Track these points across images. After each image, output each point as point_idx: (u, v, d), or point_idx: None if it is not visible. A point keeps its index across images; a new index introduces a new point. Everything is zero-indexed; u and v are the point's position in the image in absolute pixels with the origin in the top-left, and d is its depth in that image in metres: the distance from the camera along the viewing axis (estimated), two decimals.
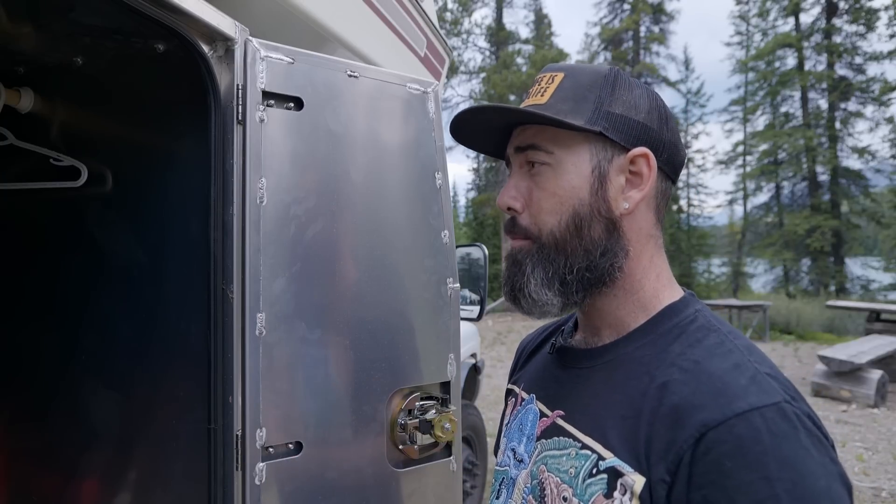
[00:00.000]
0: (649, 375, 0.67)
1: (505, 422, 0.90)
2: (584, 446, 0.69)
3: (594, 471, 0.66)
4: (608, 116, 0.72)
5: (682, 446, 0.59)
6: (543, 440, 0.76)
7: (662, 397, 0.63)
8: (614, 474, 0.64)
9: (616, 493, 0.63)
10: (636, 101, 0.74)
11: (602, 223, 0.73)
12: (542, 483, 0.73)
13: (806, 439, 0.57)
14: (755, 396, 0.59)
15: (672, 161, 0.76)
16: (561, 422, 0.75)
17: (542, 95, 0.76)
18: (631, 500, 0.61)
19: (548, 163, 0.74)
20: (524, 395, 0.86)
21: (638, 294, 0.74)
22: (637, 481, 0.61)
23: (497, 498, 0.84)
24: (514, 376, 0.96)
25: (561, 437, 0.73)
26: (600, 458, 0.66)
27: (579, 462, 0.69)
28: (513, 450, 0.83)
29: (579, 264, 0.73)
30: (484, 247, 2.62)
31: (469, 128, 0.82)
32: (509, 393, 0.94)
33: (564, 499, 0.69)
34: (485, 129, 0.82)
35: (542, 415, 0.79)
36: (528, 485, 0.76)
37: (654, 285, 0.75)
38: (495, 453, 1.03)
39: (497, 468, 0.87)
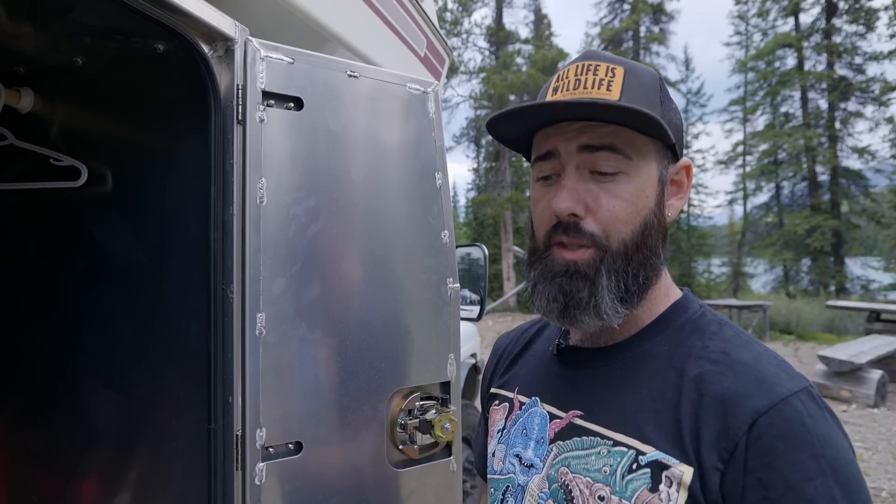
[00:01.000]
0: (675, 370, 0.68)
1: (498, 427, 0.87)
2: (617, 443, 0.69)
3: (634, 466, 0.66)
4: (671, 125, 0.71)
5: (736, 433, 0.61)
6: (560, 442, 0.75)
7: (701, 389, 0.65)
8: (658, 467, 0.64)
9: (662, 486, 0.63)
10: (675, 108, 0.75)
11: (660, 231, 0.73)
12: (567, 485, 0.72)
13: (830, 418, 0.62)
14: (789, 382, 0.63)
15: None
16: (580, 421, 0.74)
17: (606, 89, 0.70)
18: (679, 490, 0.62)
19: (623, 170, 0.70)
20: (522, 398, 0.84)
21: (653, 294, 0.75)
22: (686, 472, 0.62)
23: None
24: (499, 380, 0.93)
25: (584, 437, 0.72)
26: (639, 453, 0.66)
27: (614, 459, 0.68)
28: (517, 456, 0.81)
29: (643, 273, 0.71)
30: (484, 247, 2.63)
31: (516, 118, 0.75)
32: (494, 397, 0.91)
33: (601, 498, 0.68)
34: (522, 122, 0.76)
35: (553, 416, 0.78)
36: (546, 490, 0.75)
37: (664, 283, 0.77)
38: (476, 466, 1.00)
39: (497, 476, 0.84)
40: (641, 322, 0.75)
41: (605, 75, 0.71)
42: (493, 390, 0.93)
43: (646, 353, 0.72)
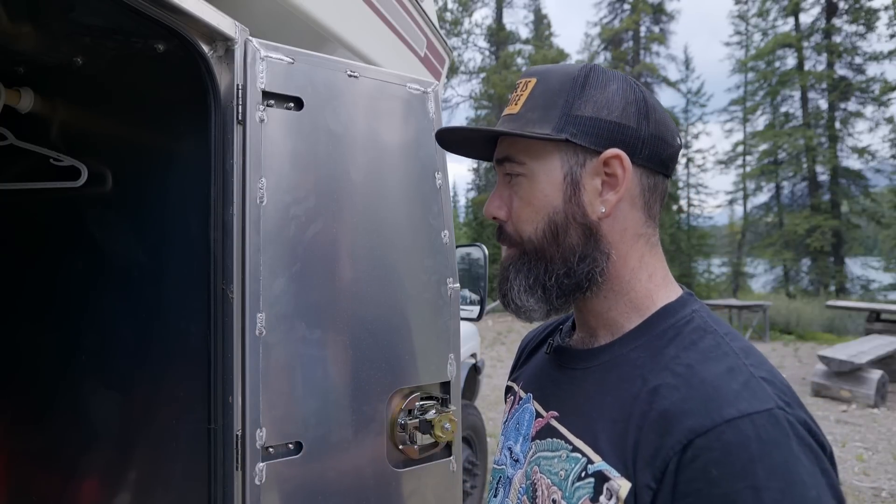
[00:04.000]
0: (642, 378, 0.66)
1: (503, 419, 0.90)
2: (575, 449, 0.69)
3: (583, 474, 0.66)
4: (576, 121, 0.71)
5: (668, 453, 0.58)
6: (538, 440, 0.76)
7: (653, 402, 0.62)
8: (601, 479, 0.63)
9: (602, 498, 0.62)
10: (609, 99, 0.72)
11: (579, 229, 0.72)
12: (535, 484, 0.73)
13: (797, 447, 0.56)
14: (746, 402, 0.58)
15: (657, 156, 0.73)
16: (555, 423, 0.74)
17: (516, 105, 0.76)
18: None
19: (522, 174, 0.75)
20: (522, 393, 0.86)
21: (629, 295, 0.73)
22: (623, 486, 0.61)
23: (495, 496, 0.84)
24: (514, 373, 0.96)
25: (554, 439, 0.73)
26: (589, 461, 0.66)
27: (569, 465, 0.68)
28: (509, 448, 0.83)
29: (558, 271, 0.73)
30: (484, 247, 2.62)
31: (454, 140, 0.84)
32: (509, 390, 0.94)
33: (554, 501, 0.68)
34: (469, 141, 0.85)
35: (538, 415, 0.79)
36: (524, 485, 0.76)
37: (646, 286, 0.74)
38: None
39: (494, 466, 0.87)
40: (624, 327, 0.73)
41: (521, 90, 0.77)
42: (508, 382, 0.96)
43: (621, 360, 0.71)
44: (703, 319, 0.70)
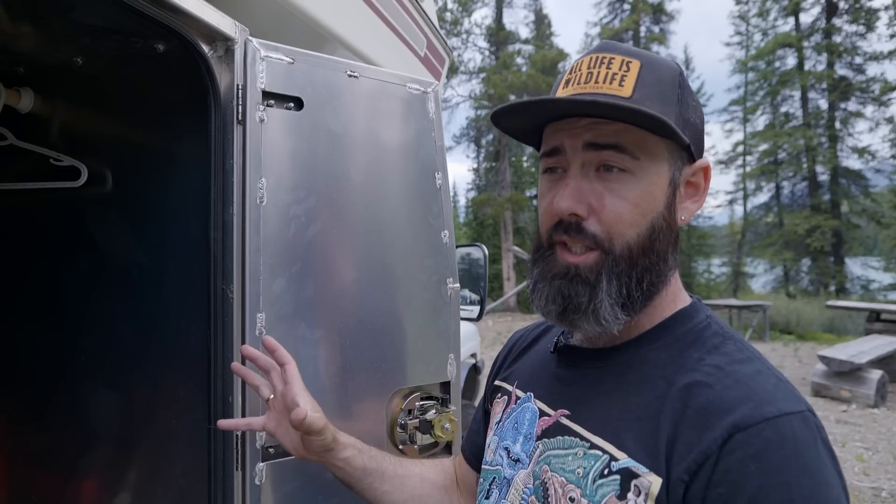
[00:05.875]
0: (666, 380, 0.66)
1: (496, 420, 0.88)
2: (593, 446, 0.68)
3: (606, 471, 0.65)
4: (687, 125, 0.68)
5: (709, 446, 0.58)
6: (545, 439, 0.75)
7: (687, 400, 0.63)
8: (628, 475, 0.63)
9: (630, 495, 0.62)
10: (696, 104, 0.71)
11: (670, 235, 0.70)
12: (545, 483, 0.72)
13: (822, 449, 0.59)
14: (783, 403, 0.60)
15: None
16: (566, 421, 0.73)
17: (619, 84, 0.67)
18: (646, 501, 0.61)
19: (629, 170, 0.67)
20: (519, 393, 0.85)
21: (660, 300, 0.73)
22: (654, 482, 0.61)
23: (487, 498, 0.82)
24: (502, 372, 0.94)
25: (566, 437, 0.72)
26: (612, 458, 0.65)
27: (588, 462, 0.67)
28: (506, 449, 0.81)
29: (648, 279, 0.69)
30: (484, 247, 2.62)
31: (550, 115, 0.72)
32: (497, 390, 0.92)
33: (571, 499, 0.67)
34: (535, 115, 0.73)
35: (543, 413, 0.78)
36: (530, 486, 0.75)
37: (671, 289, 0.74)
38: (462, 445, 1.01)
39: (486, 467, 0.85)
40: (642, 327, 0.73)
41: (619, 69, 0.67)
42: (496, 382, 0.94)
43: (640, 360, 0.71)
44: (719, 325, 0.71)
